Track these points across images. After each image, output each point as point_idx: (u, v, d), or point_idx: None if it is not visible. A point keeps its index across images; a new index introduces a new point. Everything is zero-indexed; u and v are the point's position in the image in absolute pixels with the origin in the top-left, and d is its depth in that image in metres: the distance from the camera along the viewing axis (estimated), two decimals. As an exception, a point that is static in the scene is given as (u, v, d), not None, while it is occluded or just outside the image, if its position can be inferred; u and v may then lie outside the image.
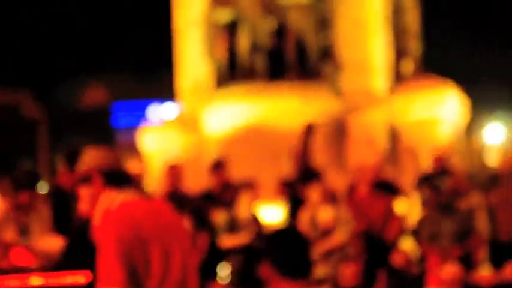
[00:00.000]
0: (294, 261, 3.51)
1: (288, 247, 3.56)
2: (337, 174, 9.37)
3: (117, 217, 3.66)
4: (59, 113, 55.43)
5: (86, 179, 3.82)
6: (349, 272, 7.21)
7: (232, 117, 13.17)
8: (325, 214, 7.87)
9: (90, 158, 3.84)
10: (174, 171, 8.99)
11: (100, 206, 3.76)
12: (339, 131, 13.18)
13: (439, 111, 13.27)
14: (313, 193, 8.00)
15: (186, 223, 7.98)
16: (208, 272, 8.04)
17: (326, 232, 7.82)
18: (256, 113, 12.96)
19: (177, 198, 8.25)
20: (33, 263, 4.73)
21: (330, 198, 8.00)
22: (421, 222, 8.49)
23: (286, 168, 9.92)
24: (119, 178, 3.82)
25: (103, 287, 3.55)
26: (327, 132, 12.96)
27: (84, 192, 3.83)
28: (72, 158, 6.20)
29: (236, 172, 9.93)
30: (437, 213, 8.33)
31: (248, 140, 12.82)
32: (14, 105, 50.18)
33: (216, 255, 8.24)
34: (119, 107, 57.48)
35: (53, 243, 5.16)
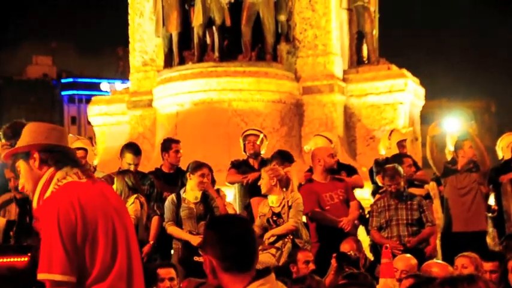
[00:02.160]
0: (238, 255, 3.24)
1: (231, 239, 3.27)
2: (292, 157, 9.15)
3: (61, 198, 3.48)
4: (1, 82, 54.46)
5: (26, 156, 3.62)
6: (302, 258, 7.05)
7: (184, 95, 12.93)
8: (276, 199, 7.71)
9: (32, 133, 3.63)
10: (133, 149, 8.76)
11: (41, 186, 3.55)
12: (294, 113, 13.07)
13: (396, 96, 13.27)
14: (265, 177, 7.80)
15: (140, 204, 7.78)
16: (155, 257, 7.87)
17: (278, 217, 7.66)
18: (209, 91, 12.74)
19: (131, 177, 8.01)
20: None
21: (283, 182, 7.80)
22: (375, 209, 8.38)
23: (239, 149, 9.71)
24: (61, 157, 3.62)
25: (44, 273, 3.37)
26: (282, 113, 12.87)
27: (24, 169, 3.61)
28: (14, 130, 5.95)
29: (187, 152, 9.74)
30: (392, 200, 8.24)
31: (200, 119, 12.61)
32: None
33: (164, 239, 8.05)
34: (66, 81, 56.77)
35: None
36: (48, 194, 3.56)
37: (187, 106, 12.88)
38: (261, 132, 9.55)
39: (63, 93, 56.35)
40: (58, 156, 3.62)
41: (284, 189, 7.75)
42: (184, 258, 7.62)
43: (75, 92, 56.07)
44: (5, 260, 4.27)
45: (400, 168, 8.43)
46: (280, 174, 7.81)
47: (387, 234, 8.16)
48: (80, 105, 54.38)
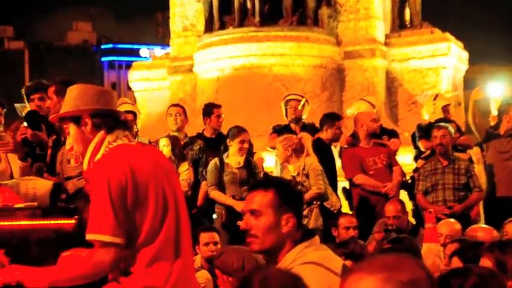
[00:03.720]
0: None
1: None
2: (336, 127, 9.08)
3: (112, 161, 3.49)
4: (42, 48, 54.91)
5: (76, 119, 3.62)
6: (343, 223, 7.04)
7: (224, 60, 12.91)
8: (293, 168, 7.69)
9: (82, 97, 3.63)
10: (176, 112, 8.74)
11: (92, 148, 3.56)
12: (336, 78, 12.98)
13: (439, 60, 13.09)
14: (280, 148, 7.79)
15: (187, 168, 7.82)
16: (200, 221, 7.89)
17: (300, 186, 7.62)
18: (249, 56, 12.69)
19: (176, 141, 8.03)
20: (19, 204, 4.51)
21: (298, 151, 7.76)
22: (422, 173, 8.28)
23: (279, 114, 9.67)
24: (112, 120, 3.62)
25: (93, 233, 3.39)
26: (323, 78, 12.79)
27: (74, 132, 3.61)
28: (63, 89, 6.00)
29: (228, 117, 9.73)
30: (439, 163, 8.13)
31: (241, 85, 12.59)
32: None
33: (209, 204, 8.07)
34: (106, 47, 57.02)
35: (41, 186, 4.96)
36: (98, 156, 3.56)
37: (227, 71, 12.87)
38: (303, 97, 9.49)
39: (103, 59, 56.62)
40: (109, 120, 3.61)
41: (299, 157, 7.73)
42: (227, 223, 7.64)
43: (114, 58, 56.30)
44: (52, 222, 4.30)
45: (451, 128, 8.33)
46: (294, 142, 7.78)
47: (432, 198, 8.07)
48: (120, 71, 54.61)
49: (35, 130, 5.86)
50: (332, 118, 8.80)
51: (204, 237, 6.23)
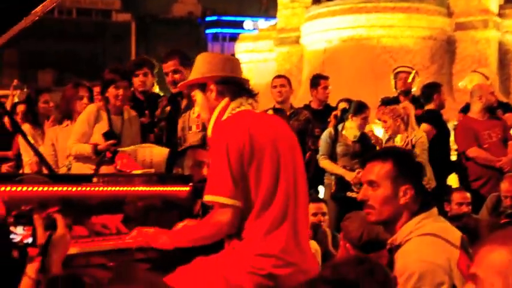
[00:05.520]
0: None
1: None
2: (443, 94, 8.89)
3: (231, 125, 3.54)
4: (148, 21, 55.89)
5: (202, 87, 3.69)
6: (456, 199, 6.89)
7: (332, 31, 12.82)
8: (400, 138, 7.57)
9: (207, 65, 3.70)
10: (281, 83, 8.73)
11: (216, 115, 3.63)
12: (445, 50, 12.69)
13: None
14: (388, 120, 7.67)
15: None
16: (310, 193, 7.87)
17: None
18: (357, 27, 12.55)
19: (281, 114, 8.04)
20: (137, 169, 4.63)
21: (405, 121, 7.63)
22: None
23: (387, 86, 9.54)
24: (236, 87, 3.68)
25: (211, 195, 3.44)
26: (433, 50, 12.54)
27: (200, 99, 3.69)
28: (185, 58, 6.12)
29: (334, 89, 9.67)
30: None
31: (348, 56, 12.48)
32: (106, 12, 50.92)
33: (315, 175, 8.06)
34: (210, 19, 57.59)
35: (158, 153, 5.07)
36: (219, 122, 3.62)
37: (335, 43, 12.77)
38: (413, 69, 9.31)
39: (207, 31, 57.17)
40: (233, 87, 3.66)
41: (407, 128, 7.61)
42: (336, 194, 7.62)
43: (219, 30, 56.76)
44: (168, 189, 4.39)
45: None
46: (401, 113, 7.65)
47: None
48: (224, 44, 55.06)
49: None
50: (433, 88, 8.61)
51: (312, 207, 6.23)
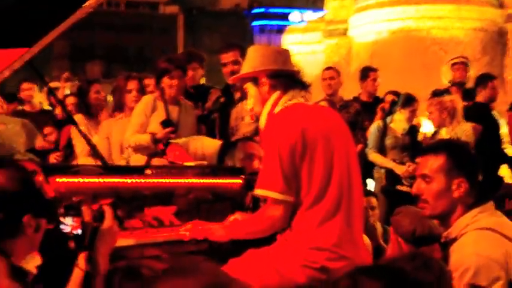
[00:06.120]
0: None
1: None
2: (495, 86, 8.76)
3: (283, 121, 3.52)
4: (195, 13, 56.10)
5: (254, 80, 3.69)
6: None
7: (381, 23, 12.71)
8: (445, 131, 7.47)
9: (259, 58, 3.70)
10: (330, 75, 8.70)
11: (269, 108, 3.62)
12: (496, 42, 12.50)
13: None
14: (434, 111, 7.57)
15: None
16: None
17: None
18: (406, 19, 12.43)
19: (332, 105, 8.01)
20: (189, 161, 4.65)
21: (451, 114, 7.51)
22: None
23: (437, 78, 9.43)
24: (289, 80, 3.66)
25: (262, 189, 3.44)
26: (483, 42, 12.36)
27: (253, 92, 3.68)
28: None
29: (383, 81, 9.60)
30: None
31: (397, 48, 12.37)
32: (153, 4, 51.25)
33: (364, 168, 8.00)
34: (257, 11, 57.57)
35: (209, 145, 5.08)
36: (272, 115, 3.60)
37: (384, 34, 12.68)
38: (467, 60, 9.19)
39: (254, 23, 57.17)
40: (285, 80, 3.64)
41: (453, 121, 7.50)
42: (386, 187, 7.56)
43: (265, 22, 56.69)
44: (220, 181, 4.40)
45: None
46: (448, 106, 7.54)
47: None
48: (270, 36, 55.00)
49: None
50: (485, 78, 8.48)
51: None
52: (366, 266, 1.78)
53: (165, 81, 5.66)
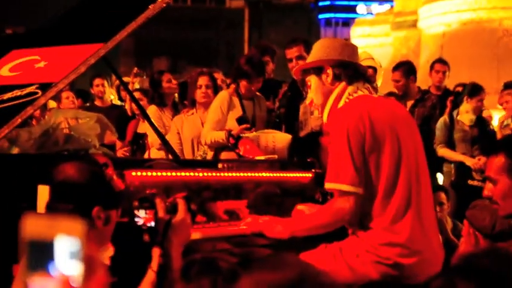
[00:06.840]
0: None
1: None
2: None
3: (351, 111, 3.48)
4: (261, 7, 56.17)
5: (318, 71, 3.64)
6: None
7: (451, 14, 12.52)
8: None
9: (325, 49, 3.65)
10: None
11: (333, 99, 3.57)
12: None
13: None
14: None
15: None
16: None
17: None
18: (478, 10, 12.20)
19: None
20: (259, 155, 4.66)
21: None
22: None
23: (509, 70, 9.23)
24: (353, 72, 3.61)
25: (332, 183, 3.41)
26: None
27: (315, 84, 3.64)
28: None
29: (453, 74, 9.45)
30: None
31: (468, 40, 12.16)
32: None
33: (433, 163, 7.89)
34: (323, 4, 57.30)
35: (280, 139, 5.08)
36: (338, 108, 3.57)
37: (454, 26, 12.48)
38: None
39: (320, 16, 56.92)
40: (350, 71, 3.60)
41: None
42: (457, 182, 7.44)
43: (331, 15, 56.38)
44: (290, 175, 4.40)
45: None
46: None
47: None
48: (337, 29, 54.65)
49: None
50: None
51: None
52: (460, 265, 1.75)
53: (243, 84, 5.67)
